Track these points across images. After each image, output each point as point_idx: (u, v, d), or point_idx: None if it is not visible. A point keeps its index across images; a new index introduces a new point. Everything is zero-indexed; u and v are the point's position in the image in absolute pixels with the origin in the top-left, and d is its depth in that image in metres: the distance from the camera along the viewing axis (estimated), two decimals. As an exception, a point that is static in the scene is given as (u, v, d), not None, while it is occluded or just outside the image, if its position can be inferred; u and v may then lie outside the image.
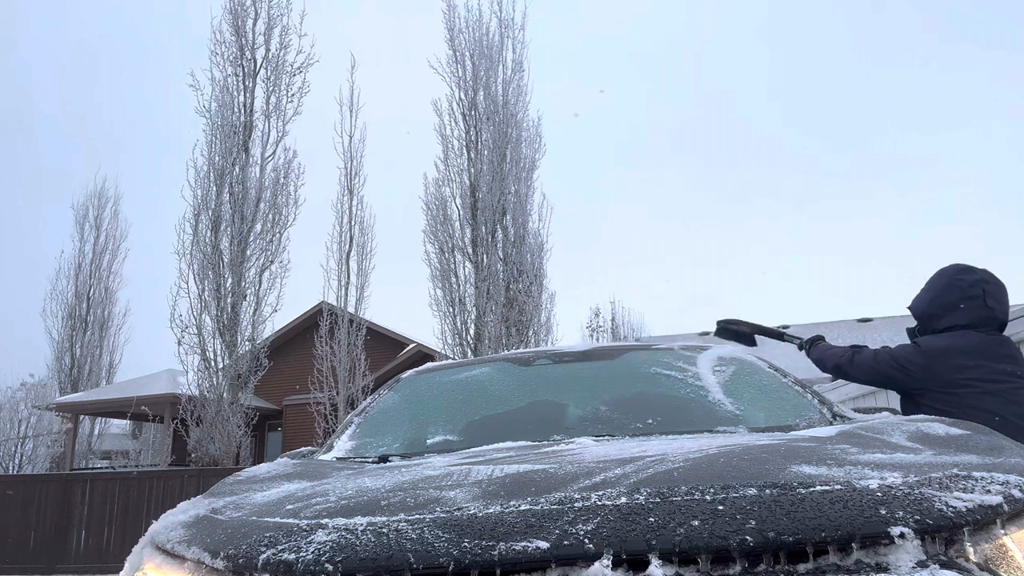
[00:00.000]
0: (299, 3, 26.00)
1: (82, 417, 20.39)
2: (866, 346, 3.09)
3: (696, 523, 1.07)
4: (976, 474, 1.22)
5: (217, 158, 14.53)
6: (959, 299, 2.80)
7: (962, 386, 2.65)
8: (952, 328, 2.79)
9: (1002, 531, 1.10)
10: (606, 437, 1.91)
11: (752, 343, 3.64)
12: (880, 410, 2.36)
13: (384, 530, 1.14)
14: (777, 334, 3.56)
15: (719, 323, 3.80)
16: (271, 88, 15.19)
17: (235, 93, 14.98)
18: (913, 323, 3.12)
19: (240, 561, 1.16)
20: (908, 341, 3.04)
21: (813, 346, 3.24)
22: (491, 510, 1.16)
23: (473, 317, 14.57)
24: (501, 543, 1.07)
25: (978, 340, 2.74)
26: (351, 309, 14.64)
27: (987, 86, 52.30)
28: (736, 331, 3.73)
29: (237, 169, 14.50)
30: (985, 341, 2.74)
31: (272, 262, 14.40)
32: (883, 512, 1.07)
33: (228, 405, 13.29)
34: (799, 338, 3.40)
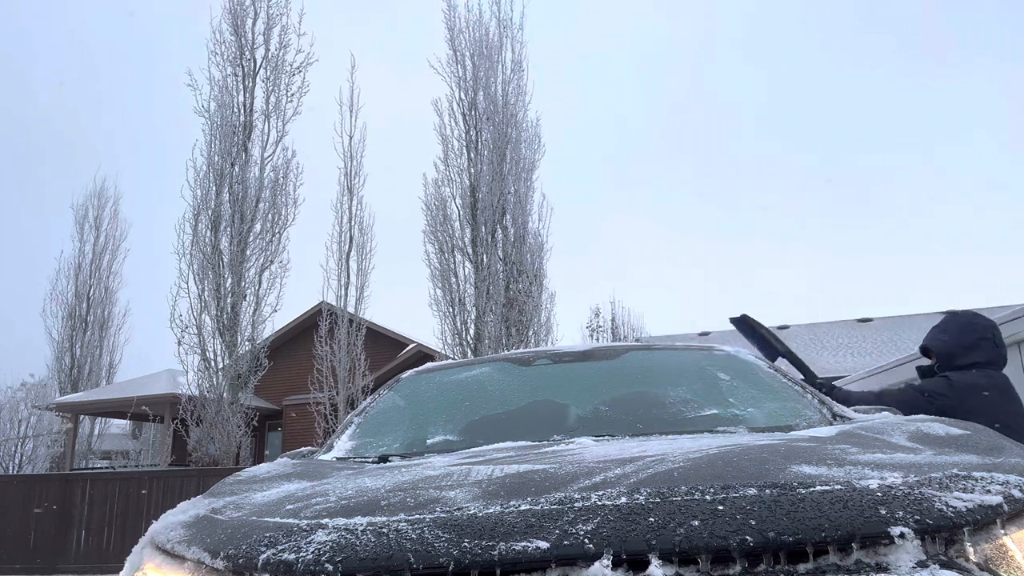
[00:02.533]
0: (298, 2, 26.00)
1: (82, 417, 20.39)
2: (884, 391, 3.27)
3: (696, 523, 1.07)
4: (976, 474, 1.22)
5: (216, 158, 14.52)
6: (976, 339, 3.16)
7: (997, 422, 2.86)
8: (975, 365, 3.12)
9: (1002, 531, 1.10)
10: (606, 437, 1.91)
11: (768, 353, 3.51)
12: (880, 410, 2.35)
13: (384, 530, 1.14)
14: (799, 364, 3.46)
15: (744, 317, 3.71)
16: (271, 88, 15.20)
17: (234, 93, 14.98)
18: (923, 363, 3.48)
19: (240, 561, 1.16)
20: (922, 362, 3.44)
21: (832, 393, 3.20)
22: (491, 510, 1.16)
23: (473, 317, 14.56)
24: (501, 543, 1.07)
25: (1004, 380, 3.09)
26: (351, 309, 14.64)
27: (986, 89, 52.31)
28: (755, 332, 3.63)
29: (237, 169, 14.50)
30: (1007, 381, 3.09)
31: (272, 262, 14.41)
32: (883, 512, 1.07)
33: (228, 405, 13.29)
34: (818, 378, 3.34)
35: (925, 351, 3.40)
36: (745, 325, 3.71)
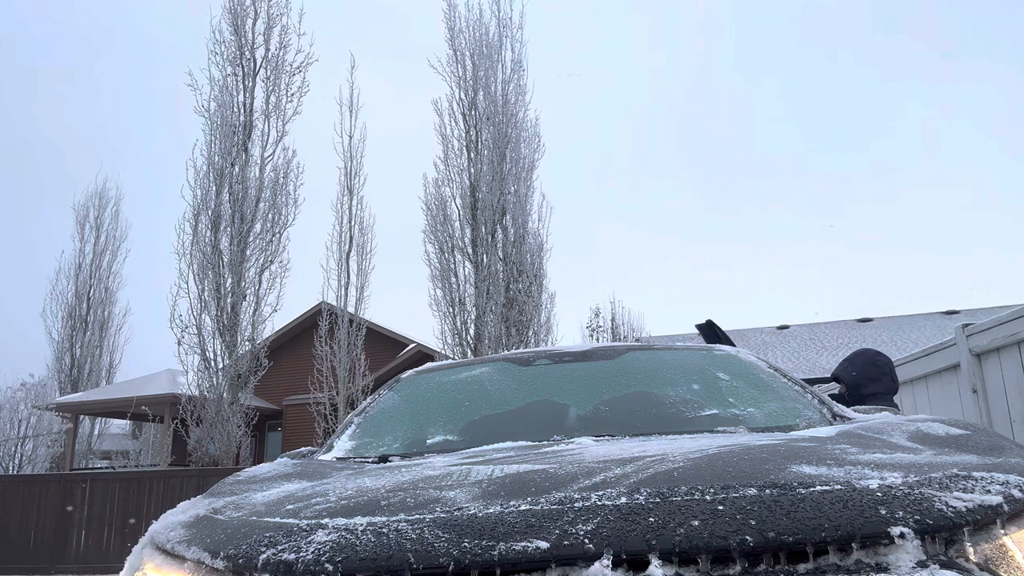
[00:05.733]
0: (298, 2, 26.02)
1: (82, 417, 20.39)
2: None
3: (696, 523, 1.07)
4: (976, 474, 1.22)
5: (217, 158, 14.52)
6: (878, 373, 3.76)
7: None
8: (875, 395, 3.65)
9: (1002, 531, 1.10)
10: (606, 437, 1.91)
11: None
12: (880, 410, 2.35)
13: (384, 530, 1.14)
14: None
15: (709, 322, 4.24)
16: (271, 88, 15.20)
17: (235, 93, 14.98)
18: (832, 389, 4.01)
19: (240, 561, 1.16)
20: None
21: None
22: (491, 510, 1.16)
23: (473, 317, 14.56)
24: (501, 543, 1.07)
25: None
26: (351, 309, 14.65)
27: (988, 89, 52.37)
28: (719, 337, 4.10)
29: (237, 169, 14.50)
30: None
31: (272, 262, 14.42)
32: (883, 512, 1.07)
33: (228, 405, 13.29)
34: None
35: (835, 380, 3.92)
36: (711, 331, 4.22)
